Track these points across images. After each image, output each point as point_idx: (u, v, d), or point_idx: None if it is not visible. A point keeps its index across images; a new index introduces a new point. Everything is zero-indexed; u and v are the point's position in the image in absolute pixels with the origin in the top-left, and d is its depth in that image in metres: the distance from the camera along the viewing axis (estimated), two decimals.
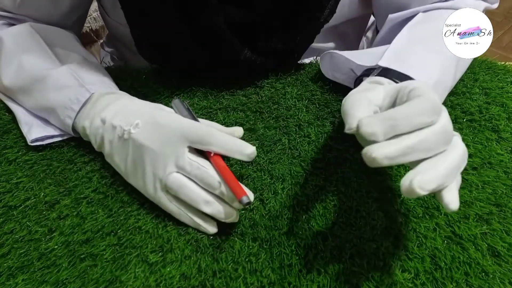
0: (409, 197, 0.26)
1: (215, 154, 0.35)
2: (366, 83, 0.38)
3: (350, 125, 0.28)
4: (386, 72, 0.40)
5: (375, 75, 0.40)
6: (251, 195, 0.34)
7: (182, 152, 0.35)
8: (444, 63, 0.42)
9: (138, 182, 0.38)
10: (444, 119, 0.28)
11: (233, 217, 0.35)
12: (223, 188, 0.34)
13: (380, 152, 0.25)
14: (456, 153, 0.28)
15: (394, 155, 0.25)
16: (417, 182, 0.25)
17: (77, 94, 0.42)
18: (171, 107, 0.42)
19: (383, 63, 0.41)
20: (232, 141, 0.35)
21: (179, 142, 0.35)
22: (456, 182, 0.28)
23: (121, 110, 0.40)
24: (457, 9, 0.48)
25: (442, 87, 0.41)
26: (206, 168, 0.35)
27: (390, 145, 0.26)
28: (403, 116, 0.27)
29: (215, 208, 0.35)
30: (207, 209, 0.35)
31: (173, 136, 0.36)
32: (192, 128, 0.36)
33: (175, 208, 0.36)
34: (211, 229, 0.36)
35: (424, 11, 0.49)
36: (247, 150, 0.35)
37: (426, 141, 0.26)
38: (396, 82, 0.38)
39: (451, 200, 0.26)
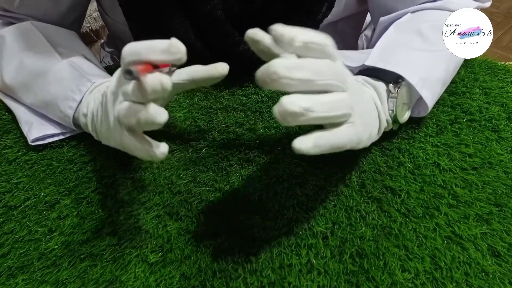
0: (283, 118, 0.27)
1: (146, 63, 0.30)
2: None
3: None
4: (378, 72, 0.41)
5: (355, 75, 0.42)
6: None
7: (123, 79, 0.31)
8: (431, 59, 0.43)
9: (109, 135, 0.34)
10: (337, 60, 0.30)
11: (147, 110, 0.30)
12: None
13: (276, 63, 0.27)
14: (333, 94, 0.29)
15: (290, 66, 0.27)
16: (286, 98, 0.26)
17: (79, 84, 0.42)
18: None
19: (369, 62, 0.41)
20: (151, 42, 0.31)
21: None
22: (323, 135, 0.29)
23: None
24: (446, 9, 0.48)
25: (432, 82, 0.42)
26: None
27: (285, 59, 0.27)
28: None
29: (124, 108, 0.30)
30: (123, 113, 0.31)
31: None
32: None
33: (128, 139, 0.32)
34: (161, 151, 0.32)
35: (413, 12, 0.49)
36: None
37: (315, 63, 0.28)
38: (384, 80, 0.40)
39: (299, 140, 0.28)
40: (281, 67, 0.27)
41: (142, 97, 0.29)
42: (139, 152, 0.32)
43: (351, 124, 0.31)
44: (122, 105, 0.30)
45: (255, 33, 0.34)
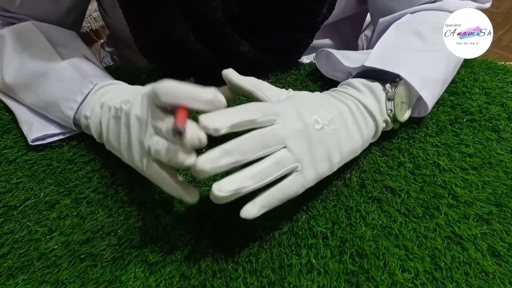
0: (218, 202, 0.29)
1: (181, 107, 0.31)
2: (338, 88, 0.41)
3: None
4: (378, 73, 0.40)
5: (353, 77, 0.42)
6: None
7: (156, 111, 0.32)
8: (431, 59, 0.43)
9: (130, 157, 0.35)
10: (267, 129, 0.31)
11: (178, 156, 0.30)
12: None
13: (201, 161, 0.29)
14: (267, 161, 0.30)
15: (215, 157, 0.29)
16: (215, 185, 0.28)
17: (81, 86, 0.42)
18: None
19: (369, 63, 0.41)
20: (192, 89, 0.31)
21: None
22: (269, 195, 0.31)
23: (119, 93, 0.39)
24: (444, 10, 0.48)
25: (432, 82, 0.42)
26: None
27: (212, 150, 0.29)
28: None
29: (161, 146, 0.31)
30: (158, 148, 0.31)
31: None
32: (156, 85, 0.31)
33: (155, 171, 0.32)
34: (192, 197, 0.33)
35: (412, 13, 0.49)
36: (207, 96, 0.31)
37: (241, 144, 0.30)
38: (383, 80, 0.40)
39: (245, 209, 0.30)
40: (205, 164, 0.28)
41: (180, 145, 0.30)
42: (167, 187, 0.33)
43: (299, 173, 0.32)
44: (156, 142, 0.31)
45: (227, 73, 0.36)
